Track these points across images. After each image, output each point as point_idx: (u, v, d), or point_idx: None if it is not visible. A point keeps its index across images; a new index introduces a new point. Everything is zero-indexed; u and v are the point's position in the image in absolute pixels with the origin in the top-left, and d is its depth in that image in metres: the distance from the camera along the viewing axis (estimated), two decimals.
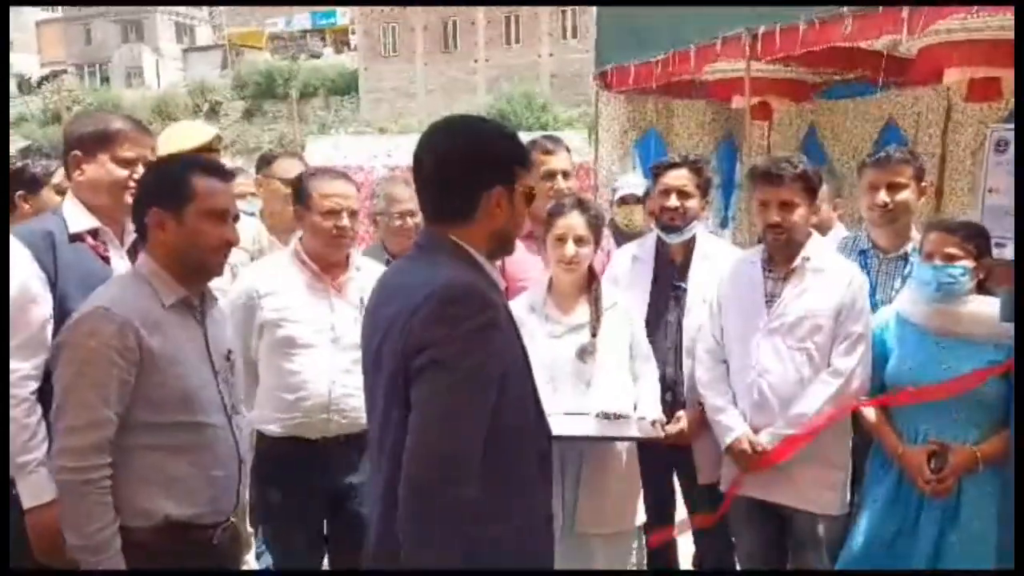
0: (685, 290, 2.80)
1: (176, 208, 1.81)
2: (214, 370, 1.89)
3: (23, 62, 46.37)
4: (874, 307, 2.60)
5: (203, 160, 2.02)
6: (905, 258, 2.73)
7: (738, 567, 2.83)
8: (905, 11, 3.48)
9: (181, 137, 2.80)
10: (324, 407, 2.41)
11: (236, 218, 1.93)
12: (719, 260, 2.77)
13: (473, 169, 1.54)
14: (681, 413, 2.70)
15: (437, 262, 1.53)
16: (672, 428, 2.64)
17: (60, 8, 48.75)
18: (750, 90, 4.75)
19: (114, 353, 1.70)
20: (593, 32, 6.12)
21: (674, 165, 2.80)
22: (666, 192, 2.76)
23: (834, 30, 3.92)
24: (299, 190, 2.53)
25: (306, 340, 2.43)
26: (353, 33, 37.97)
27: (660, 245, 2.86)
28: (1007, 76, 3.97)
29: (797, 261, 2.53)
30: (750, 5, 4.30)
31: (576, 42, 29.24)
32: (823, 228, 3.26)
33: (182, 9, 47.05)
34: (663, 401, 2.64)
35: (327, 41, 42.17)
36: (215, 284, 2.02)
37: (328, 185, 2.48)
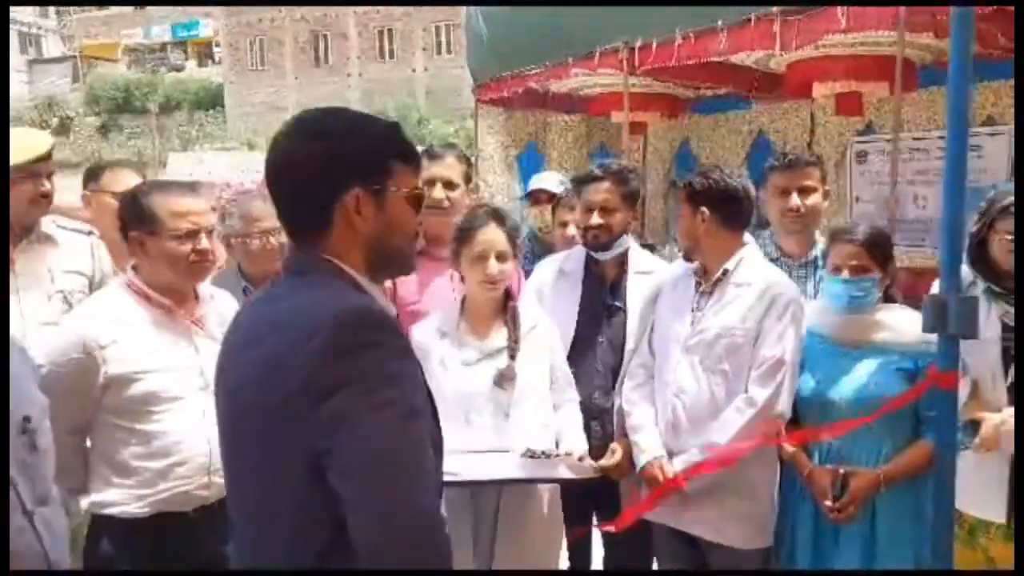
0: (619, 309, 2.58)
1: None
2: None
3: None
4: None
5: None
6: (814, 263, 2.66)
7: None
8: (777, 25, 3.55)
9: (17, 146, 2.40)
10: (204, 469, 1.99)
11: None
12: (657, 275, 2.58)
13: (323, 168, 1.25)
14: (614, 444, 2.44)
15: (316, 287, 1.25)
16: (607, 461, 2.39)
17: None
18: (628, 105, 4.76)
19: None
20: (465, 44, 6.02)
21: (594, 178, 2.55)
22: (588, 210, 2.55)
23: (709, 44, 3.97)
24: (136, 209, 2.04)
25: (172, 392, 2.00)
26: (218, 46, 36.48)
27: (590, 260, 2.64)
28: (867, 91, 4.14)
29: (718, 273, 2.36)
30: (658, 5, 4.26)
31: (451, 57, 29.24)
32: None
33: (27, 17, 43.82)
34: (589, 430, 2.43)
35: (189, 54, 40.33)
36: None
37: (179, 201, 2.04)
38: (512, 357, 2.31)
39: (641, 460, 2.35)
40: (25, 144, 2.42)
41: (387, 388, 1.15)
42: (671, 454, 2.33)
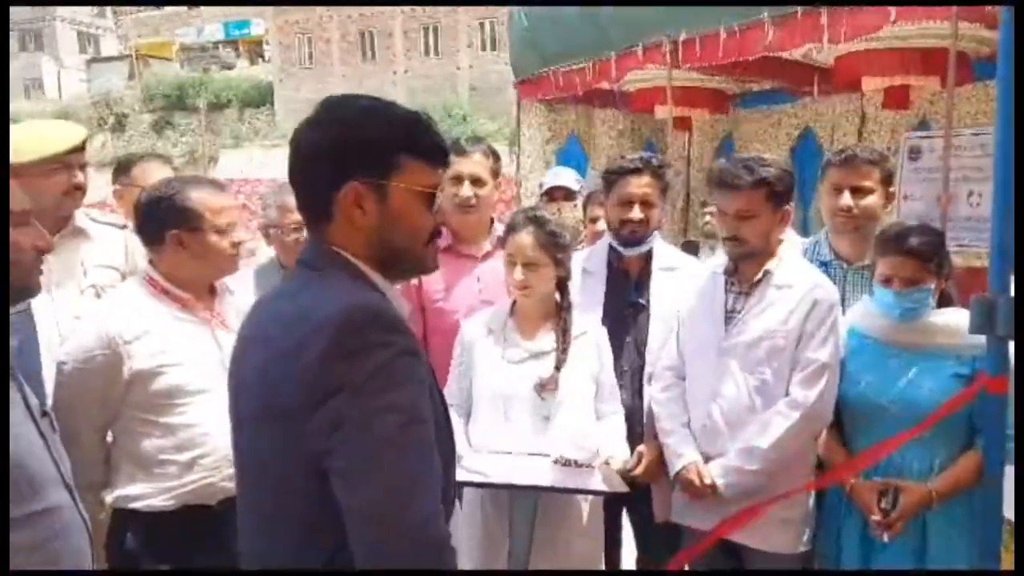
0: (644, 307, 2.51)
1: None
2: (42, 434, 1.49)
3: None
4: None
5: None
6: (871, 268, 2.49)
7: None
8: (825, 18, 3.46)
9: (50, 137, 2.40)
10: (229, 460, 1.92)
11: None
12: (682, 272, 2.51)
13: (326, 156, 1.22)
14: (642, 448, 2.39)
15: (325, 283, 1.22)
16: (636, 469, 2.33)
17: None
18: (672, 100, 4.70)
19: None
20: (508, 40, 6.01)
21: (635, 171, 2.46)
22: (627, 203, 2.47)
23: (755, 38, 3.89)
24: (174, 207, 2.06)
25: (196, 385, 2.01)
26: (267, 44, 37.09)
27: (612, 256, 2.57)
28: (917, 84, 4.03)
29: (759, 274, 2.28)
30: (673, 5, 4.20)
31: (496, 53, 29.26)
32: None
33: (85, 18, 45.14)
34: None
35: (240, 52, 41.07)
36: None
37: (217, 198, 2.11)
38: (557, 368, 2.26)
39: (676, 465, 2.30)
40: (59, 136, 2.42)
41: (390, 392, 1.11)
42: (707, 458, 2.29)
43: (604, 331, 2.42)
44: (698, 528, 2.33)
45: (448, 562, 1.14)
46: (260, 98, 33.48)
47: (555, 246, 2.30)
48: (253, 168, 18.18)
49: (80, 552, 1.50)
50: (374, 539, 1.10)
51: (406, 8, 31.66)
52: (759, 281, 2.28)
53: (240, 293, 2.26)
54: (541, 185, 4.13)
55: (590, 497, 2.26)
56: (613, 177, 2.52)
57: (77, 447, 1.94)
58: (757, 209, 2.21)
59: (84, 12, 44.99)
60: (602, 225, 2.96)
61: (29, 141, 2.34)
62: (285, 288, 1.30)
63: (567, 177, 3.92)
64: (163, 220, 2.06)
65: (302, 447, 1.13)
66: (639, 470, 2.33)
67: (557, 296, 2.37)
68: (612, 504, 2.43)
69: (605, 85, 5.37)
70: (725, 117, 5.93)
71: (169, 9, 44.89)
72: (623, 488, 2.18)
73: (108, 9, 47.10)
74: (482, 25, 31.00)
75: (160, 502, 2.00)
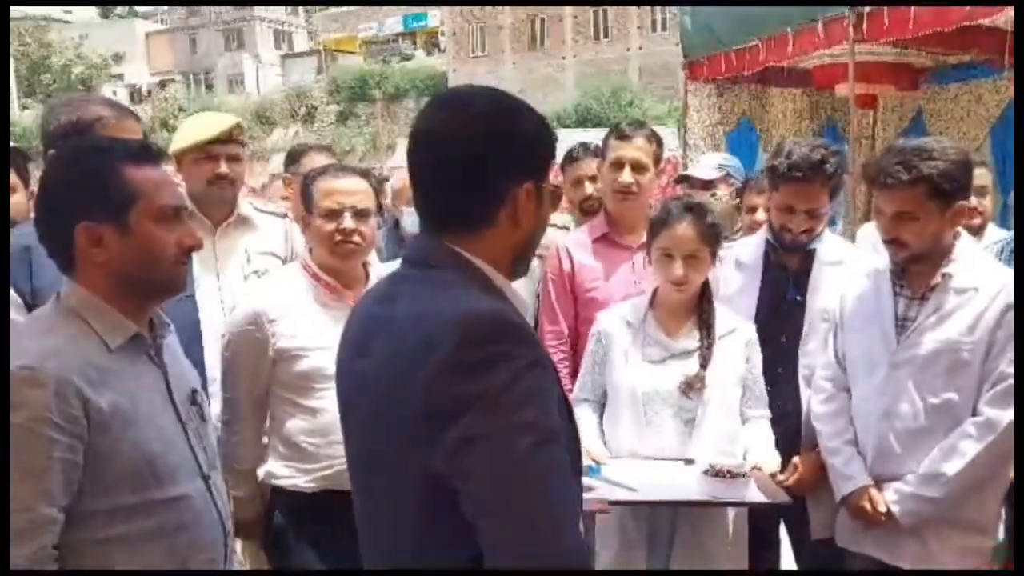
0: (802, 305, 2.32)
1: (115, 216, 1.38)
2: (181, 422, 1.48)
3: (134, 72, 49.09)
4: None
5: (125, 143, 1.54)
6: None
7: None
8: None
9: (198, 127, 2.52)
10: None
11: (190, 214, 1.57)
12: (849, 267, 2.27)
13: (497, 159, 1.10)
14: (797, 459, 2.22)
15: (438, 286, 1.11)
16: (788, 479, 2.17)
17: (168, 19, 51.34)
18: (855, 77, 4.43)
19: (50, 428, 1.27)
20: (679, 22, 5.88)
21: (803, 179, 2.20)
22: (789, 209, 2.26)
23: (950, 9, 3.59)
24: (304, 191, 2.12)
25: (334, 370, 2.07)
26: (442, 35, 38.42)
27: (770, 248, 2.39)
28: None
29: (936, 278, 2.02)
30: None
31: (666, 34, 28.63)
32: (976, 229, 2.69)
33: (280, 16, 48.74)
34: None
35: (418, 44, 42.83)
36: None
37: (330, 182, 2.07)
38: (703, 365, 2.14)
39: (844, 488, 2.11)
40: (202, 127, 2.51)
41: (521, 409, 1.00)
42: (878, 481, 2.08)
43: (754, 329, 2.27)
44: (867, 554, 2.14)
45: None
46: (435, 87, 34.77)
47: (716, 238, 2.18)
48: None
49: (211, 544, 1.48)
50: (517, 571, 1.02)
51: None
52: (936, 286, 2.03)
53: None
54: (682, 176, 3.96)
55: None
56: (778, 180, 2.29)
57: (237, 417, 2.11)
58: (918, 210, 1.97)
59: (279, 11, 48.55)
60: (761, 215, 2.80)
61: (181, 132, 2.55)
62: (388, 289, 1.20)
63: (706, 166, 3.66)
64: (303, 204, 2.13)
65: (418, 469, 1.06)
66: (791, 480, 2.17)
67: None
68: (763, 515, 2.26)
69: (781, 63, 5.15)
70: (916, 93, 5.51)
71: (354, 5, 47.59)
72: (783, 498, 2.01)
73: (300, 7, 50.59)
74: (652, 6, 30.43)
75: (303, 483, 2.05)
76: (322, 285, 2.09)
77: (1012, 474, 2.06)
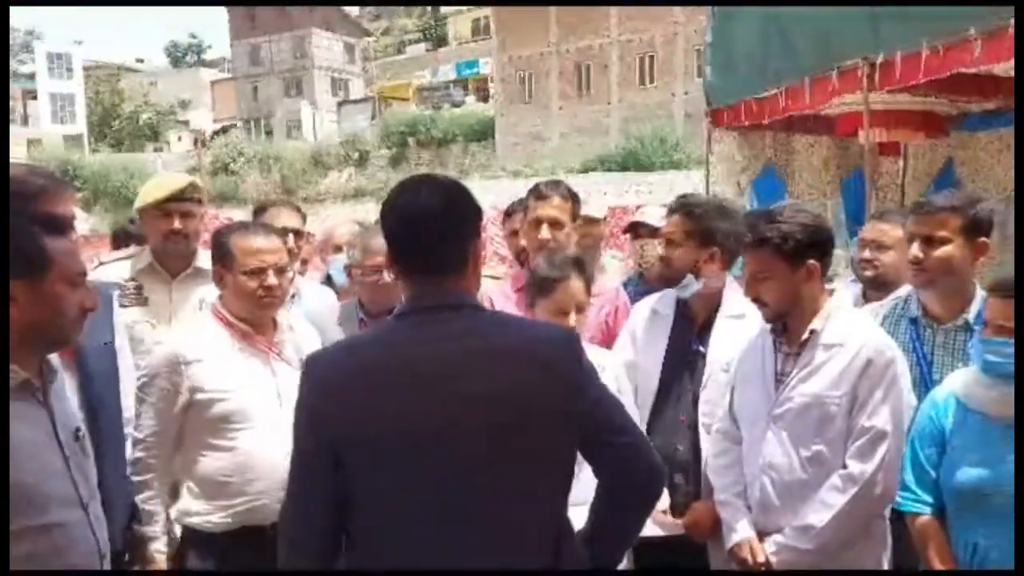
0: (703, 355, 2.42)
1: (31, 278, 1.57)
2: (64, 456, 1.64)
3: (199, 118, 51.21)
4: (930, 389, 2.16)
5: (40, 214, 1.77)
6: (967, 328, 2.25)
7: None
8: None
9: (155, 187, 2.75)
10: (280, 484, 2.01)
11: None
12: (749, 321, 2.34)
13: (467, 219, 1.54)
14: (697, 504, 2.34)
15: (495, 319, 1.64)
16: (684, 520, 2.31)
17: (232, 68, 53.54)
18: (874, 124, 4.39)
19: None
20: (708, 71, 5.93)
21: (669, 211, 2.50)
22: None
23: (961, 55, 3.55)
24: (219, 246, 2.27)
25: (251, 411, 2.14)
26: (492, 82, 39.18)
27: (681, 300, 2.51)
28: None
29: (805, 334, 2.12)
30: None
31: None
32: (890, 284, 2.70)
33: (337, 65, 50.41)
34: (672, 484, 2.31)
35: (469, 90, 43.77)
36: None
37: (252, 240, 2.22)
38: None
39: (730, 540, 2.20)
40: (159, 187, 2.74)
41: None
42: (761, 534, 2.16)
43: (621, 362, 2.43)
44: None
45: None
46: (483, 132, 35.40)
47: (590, 287, 2.36)
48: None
49: (85, 569, 1.63)
50: (649, 449, 1.60)
51: (622, 38, 32.03)
52: (806, 341, 2.12)
53: (300, 328, 2.38)
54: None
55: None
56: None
57: (146, 457, 2.17)
58: (766, 270, 2.11)
59: (336, 60, 50.26)
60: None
61: (142, 191, 2.78)
62: (448, 328, 1.49)
63: (652, 214, 3.73)
64: (214, 256, 2.29)
65: (573, 424, 1.51)
66: (686, 523, 2.31)
67: None
68: (653, 553, 2.28)
69: (801, 111, 5.14)
70: (945, 140, 5.43)
71: (409, 54, 48.99)
72: (676, 531, 2.20)
73: (357, 55, 52.28)
74: (699, 51, 30.59)
75: (216, 519, 2.12)
76: (234, 330, 2.23)
77: (889, 538, 2.11)
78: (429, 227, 1.49)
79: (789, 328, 2.17)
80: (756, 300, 2.16)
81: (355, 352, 1.54)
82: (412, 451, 1.40)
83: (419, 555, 1.43)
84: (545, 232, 2.68)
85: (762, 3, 4.86)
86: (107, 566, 1.70)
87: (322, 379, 1.47)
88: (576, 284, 2.29)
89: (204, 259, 2.77)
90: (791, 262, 2.09)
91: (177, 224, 2.69)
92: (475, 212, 1.55)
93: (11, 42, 65.31)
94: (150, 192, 2.73)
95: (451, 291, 1.50)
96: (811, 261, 2.10)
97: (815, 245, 2.11)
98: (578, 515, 2.04)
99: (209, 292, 2.68)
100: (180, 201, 2.69)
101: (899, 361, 2.10)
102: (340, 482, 1.43)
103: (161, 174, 2.98)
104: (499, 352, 1.47)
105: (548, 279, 2.29)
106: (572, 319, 2.26)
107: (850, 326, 2.13)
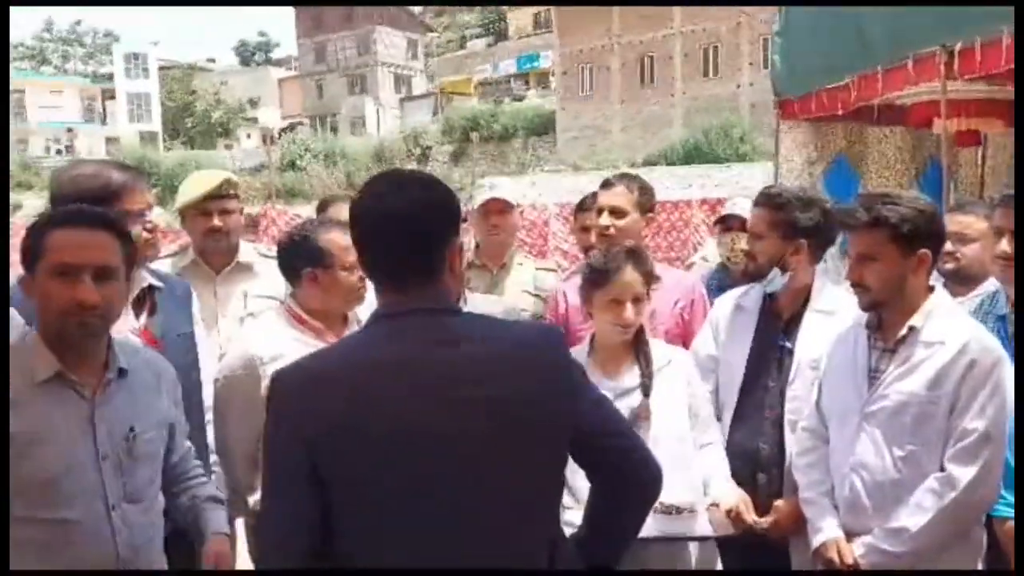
0: (790, 351, 2.33)
1: (32, 269, 1.59)
2: (98, 452, 1.61)
3: (267, 116, 52.47)
4: None
5: (68, 210, 1.70)
6: None
7: None
8: None
9: (192, 186, 2.78)
10: None
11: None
12: (840, 317, 2.25)
13: (439, 220, 1.43)
14: (779, 502, 2.26)
15: (486, 321, 1.54)
16: (764, 520, 2.22)
17: (299, 66, 54.75)
18: (954, 113, 4.27)
19: None
20: (776, 60, 5.83)
21: (755, 203, 2.40)
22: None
23: None
24: (306, 245, 2.26)
25: None
26: (553, 75, 39.10)
27: (767, 294, 2.41)
28: None
29: (903, 330, 2.02)
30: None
31: None
32: (972, 278, 2.63)
33: (400, 61, 51.05)
34: (755, 482, 2.28)
35: (530, 84, 43.76)
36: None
37: (345, 238, 2.17)
38: (646, 394, 2.20)
39: (815, 540, 2.11)
40: (196, 185, 2.76)
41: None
42: (849, 535, 2.07)
43: (690, 359, 2.38)
44: None
45: None
46: (544, 126, 35.35)
47: (651, 278, 2.30)
48: (534, 193, 19.25)
49: (87, 565, 1.58)
50: (649, 456, 1.55)
51: (685, 29, 31.58)
52: (904, 338, 2.03)
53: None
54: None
55: (698, 544, 2.17)
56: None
57: (226, 454, 2.25)
58: (878, 252, 2.00)
59: (399, 56, 50.92)
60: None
61: (180, 190, 2.81)
62: (445, 331, 1.41)
63: (743, 205, 3.63)
64: (300, 259, 2.26)
65: (567, 429, 1.46)
66: (768, 523, 2.22)
67: None
68: (737, 555, 2.29)
69: (874, 101, 5.02)
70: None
71: (470, 48, 49.26)
72: (729, 530, 2.12)
73: (419, 51, 52.85)
74: (765, 41, 29.94)
75: None
76: (308, 327, 2.25)
77: (985, 539, 2.02)
78: (397, 234, 1.40)
79: (885, 323, 2.08)
80: (858, 284, 2.05)
81: (325, 362, 1.47)
82: (392, 458, 1.35)
83: (408, 561, 1.38)
84: (605, 219, 2.68)
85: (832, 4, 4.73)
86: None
87: (298, 391, 1.39)
88: (632, 275, 2.24)
89: (245, 254, 2.83)
90: (905, 247, 1.99)
91: (216, 222, 2.73)
92: (449, 211, 1.44)
93: (91, 44, 68.19)
94: (188, 191, 2.77)
95: (426, 295, 1.41)
96: (924, 250, 2.01)
97: (932, 236, 2.03)
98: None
99: (254, 286, 2.77)
100: (218, 199, 2.74)
101: (1005, 362, 1.98)
102: (322, 493, 1.36)
103: (195, 174, 3.01)
104: (480, 355, 1.39)
105: (602, 271, 2.26)
106: (629, 310, 2.22)
107: (952, 324, 2.03)
